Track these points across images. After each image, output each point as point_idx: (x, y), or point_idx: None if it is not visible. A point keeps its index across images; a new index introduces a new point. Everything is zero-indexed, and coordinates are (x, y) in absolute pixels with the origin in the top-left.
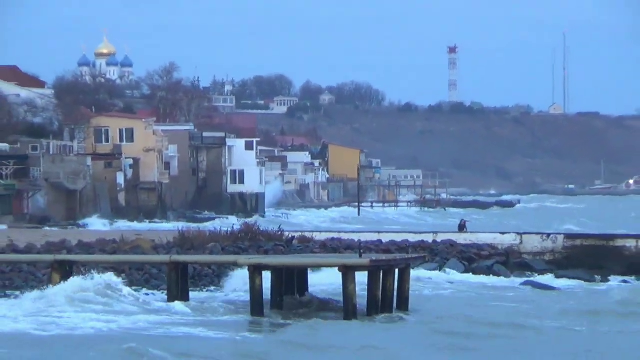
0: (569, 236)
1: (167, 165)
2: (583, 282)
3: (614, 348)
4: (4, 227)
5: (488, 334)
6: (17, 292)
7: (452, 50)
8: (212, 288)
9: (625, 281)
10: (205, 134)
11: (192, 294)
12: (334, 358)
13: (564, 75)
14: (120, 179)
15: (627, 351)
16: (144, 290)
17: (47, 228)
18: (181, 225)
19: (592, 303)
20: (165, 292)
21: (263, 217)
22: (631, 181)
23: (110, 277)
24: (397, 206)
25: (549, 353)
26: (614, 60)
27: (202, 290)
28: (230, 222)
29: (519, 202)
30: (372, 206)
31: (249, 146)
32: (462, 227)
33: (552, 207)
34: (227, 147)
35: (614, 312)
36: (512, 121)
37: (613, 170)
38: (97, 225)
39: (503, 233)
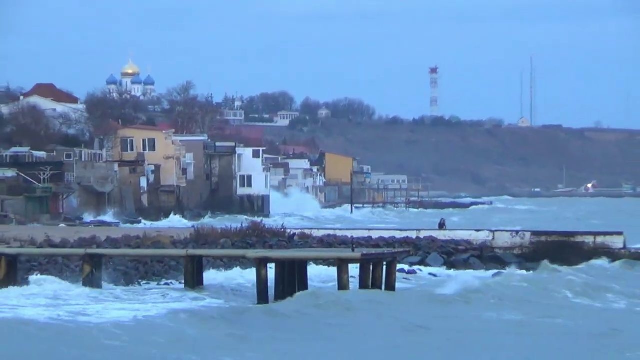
0: (535, 233)
1: (184, 171)
2: (547, 273)
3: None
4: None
5: (449, 325)
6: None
7: (434, 70)
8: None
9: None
10: (217, 144)
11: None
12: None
13: (531, 92)
14: (144, 182)
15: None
16: (164, 280)
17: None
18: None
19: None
20: (183, 281)
21: (267, 216)
22: (589, 185)
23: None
24: (385, 207)
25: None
26: (575, 78)
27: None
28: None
29: (491, 203)
30: (363, 207)
31: (255, 154)
32: (441, 225)
33: (519, 209)
34: (236, 155)
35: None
36: (486, 133)
37: (573, 176)
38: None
39: (478, 230)
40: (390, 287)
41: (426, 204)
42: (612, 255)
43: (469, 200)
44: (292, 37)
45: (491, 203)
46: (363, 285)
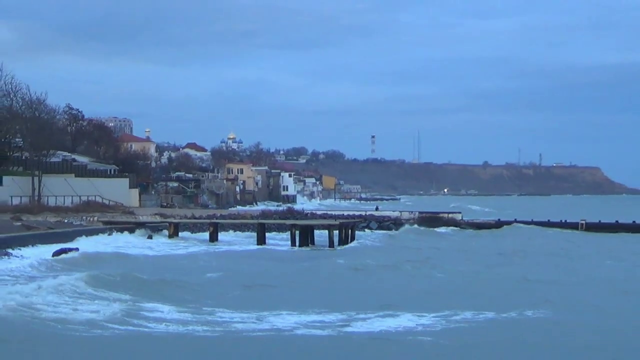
0: (421, 212)
1: (257, 184)
2: (427, 229)
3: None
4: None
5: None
6: (194, 234)
7: (373, 137)
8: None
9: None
10: (272, 171)
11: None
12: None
13: (419, 145)
14: (238, 189)
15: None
16: (247, 234)
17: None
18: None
19: (430, 239)
20: (256, 237)
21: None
22: (445, 190)
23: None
24: (349, 201)
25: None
26: (438, 137)
27: None
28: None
29: (400, 198)
30: (340, 200)
31: (290, 176)
32: (377, 208)
33: (411, 201)
34: (281, 176)
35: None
36: (397, 166)
37: (438, 186)
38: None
39: (394, 211)
40: (353, 238)
41: (369, 199)
42: (456, 223)
43: (389, 197)
44: (306, 123)
45: (399, 199)
46: (340, 238)
